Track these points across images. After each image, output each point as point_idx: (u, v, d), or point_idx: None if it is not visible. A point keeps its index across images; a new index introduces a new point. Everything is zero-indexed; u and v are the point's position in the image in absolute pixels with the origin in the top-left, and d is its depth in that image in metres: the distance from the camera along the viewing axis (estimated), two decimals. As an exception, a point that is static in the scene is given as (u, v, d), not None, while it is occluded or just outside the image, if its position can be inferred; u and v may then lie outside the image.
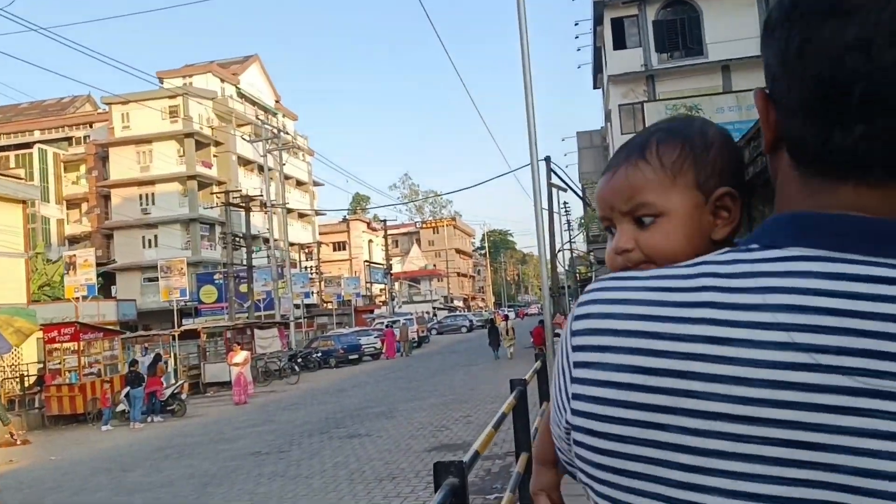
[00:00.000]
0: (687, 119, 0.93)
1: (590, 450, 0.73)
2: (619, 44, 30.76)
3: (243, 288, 37.31)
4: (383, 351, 36.89)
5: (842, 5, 0.64)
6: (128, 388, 18.16)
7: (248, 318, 33.06)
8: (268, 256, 37.25)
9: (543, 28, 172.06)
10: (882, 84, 0.63)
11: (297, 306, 52.80)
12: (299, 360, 31.92)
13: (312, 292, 51.24)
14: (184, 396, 19.68)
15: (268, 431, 14.88)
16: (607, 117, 34.55)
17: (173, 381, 22.70)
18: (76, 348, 19.51)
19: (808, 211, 0.70)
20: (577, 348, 0.75)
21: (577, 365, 0.74)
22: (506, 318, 37.00)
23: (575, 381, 0.74)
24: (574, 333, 0.75)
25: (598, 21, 32.07)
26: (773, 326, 0.64)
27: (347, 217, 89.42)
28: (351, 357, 34.09)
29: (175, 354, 26.36)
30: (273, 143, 38.83)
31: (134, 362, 18.90)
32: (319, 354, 33.20)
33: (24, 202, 41.53)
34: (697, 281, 0.70)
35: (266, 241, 62.88)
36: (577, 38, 35.79)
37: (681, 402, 0.66)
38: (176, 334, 25.66)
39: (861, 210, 0.67)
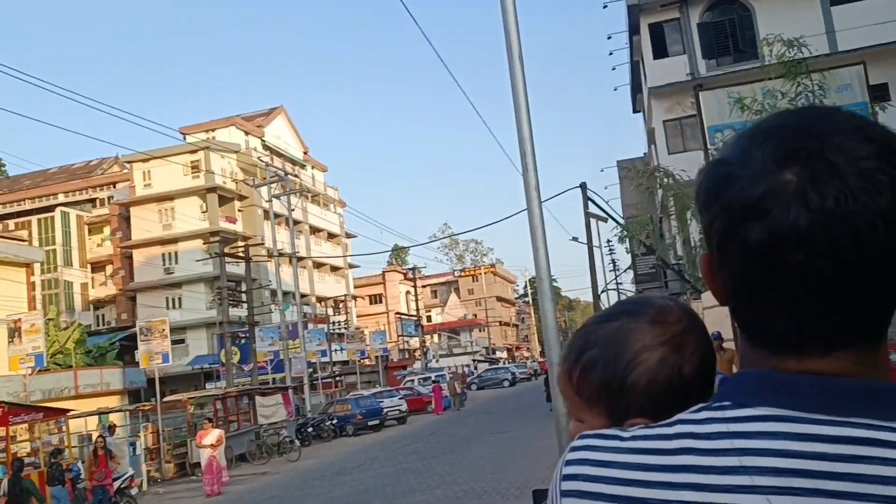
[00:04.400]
0: (626, 341, 0.93)
1: None
2: (660, 52, 26.90)
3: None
4: (431, 408, 35.67)
5: (754, 209, 0.68)
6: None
7: (250, 382, 29.29)
8: (271, 310, 33.66)
9: (578, 52, 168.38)
10: (795, 281, 0.67)
11: (322, 365, 49.25)
12: (310, 429, 27.98)
13: (339, 349, 47.53)
14: (134, 491, 15.84)
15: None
16: (650, 138, 30.54)
17: (143, 465, 18.94)
18: (4, 434, 15.84)
19: (775, 369, 0.72)
20: None
21: None
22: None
23: None
24: (564, 494, 0.76)
25: (633, 30, 28.32)
26: (752, 490, 0.66)
27: (384, 269, 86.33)
28: (371, 423, 29.94)
29: (159, 431, 22.69)
30: (283, 188, 35.55)
31: (57, 452, 15.13)
32: (335, 421, 29.15)
33: (27, 265, 38.92)
34: (677, 442, 0.72)
35: (298, 296, 60.09)
36: (610, 54, 32.18)
37: None
38: (145, 408, 21.94)
39: (810, 373, 0.70)
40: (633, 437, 0.76)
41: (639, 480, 0.71)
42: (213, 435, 17.75)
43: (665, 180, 7.74)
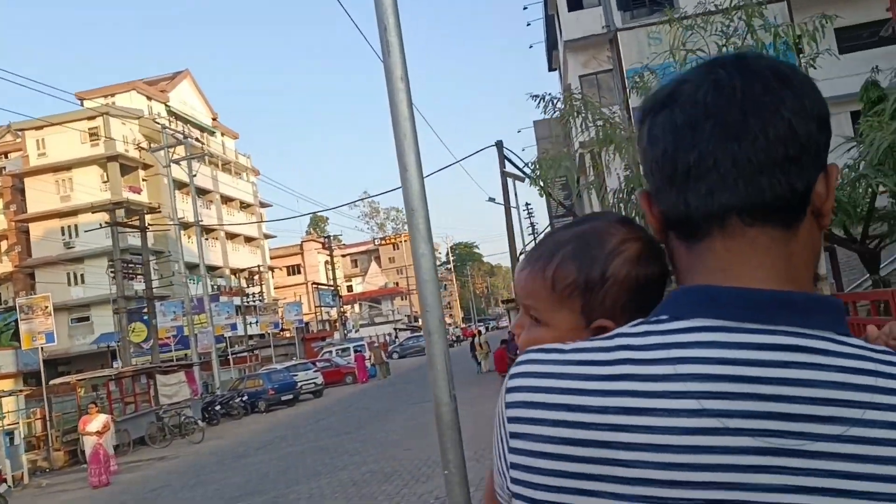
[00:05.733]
0: (601, 236, 0.95)
1: None
2: (576, 4, 25.98)
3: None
4: (350, 380, 35.49)
5: (671, 97, 0.79)
6: None
7: (150, 361, 27.43)
8: (171, 283, 31.80)
9: (492, 7, 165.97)
10: (707, 149, 0.75)
11: (238, 339, 47.23)
12: (218, 407, 26.40)
13: (253, 322, 45.64)
14: (2, 488, 14.15)
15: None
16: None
17: (22, 456, 17.14)
18: None
19: (705, 284, 0.77)
20: (511, 420, 0.79)
21: (513, 436, 0.79)
22: (479, 332, 35.33)
23: (512, 450, 0.79)
24: (508, 405, 0.80)
25: (548, -18, 27.32)
26: (684, 395, 0.70)
27: (303, 239, 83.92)
28: (284, 398, 28.53)
29: (47, 417, 20.79)
30: (187, 153, 33.32)
31: None
32: (245, 398, 27.58)
33: None
34: (615, 354, 0.76)
35: (210, 269, 57.52)
36: (525, 8, 31.10)
37: (608, 470, 0.71)
38: (23, 393, 20.00)
39: (734, 264, 0.77)
40: (574, 350, 0.79)
41: (578, 389, 0.75)
42: (98, 420, 16.04)
43: (580, 109, 6.69)
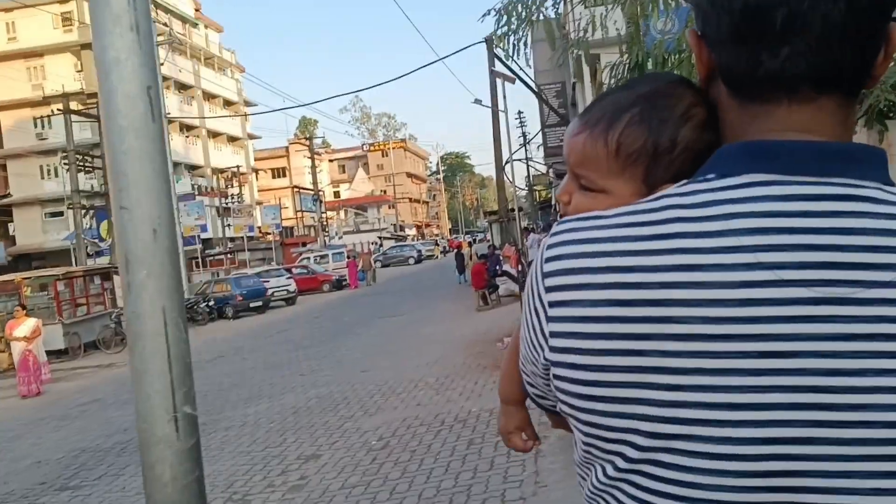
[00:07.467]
0: (668, 99, 0.87)
1: (572, 382, 0.76)
2: None
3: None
4: (327, 287, 34.28)
5: None
6: None
7: (109, 261, 25.87)
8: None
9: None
10: (800, 8, 0.69)
11: (219, 241, 45.69)
12: (181, 312, 24.93)
13: (229, 225, 43.96)
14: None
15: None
16: (568, -8, 27.32)
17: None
18: None
19: (756, 139, 0.75)
20: (550, 289, 0.77)
21: (553, 304, 0.77)
22: (469, 244, 35.56)
23: (551, 319, 0.77)
24: (546, 275, 0.78)
25: None
26: (738, 249, 0.70)
27: (289, 140, 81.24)
28: (254, 305, 27.15)
29: (-11, 316, 19.32)
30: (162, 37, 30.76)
31: None
32: (212, 303, 26.18)
33: None
34: (663, 213, 0.74)
35: (191, 168, 55.42)
36: None
37: (660, 328, 0.71)
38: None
39: (796, 128, 0.74)
40: (617, 214, 0.77)
41: (626, 251, 0.73)
42: (26, 325, 14.51)
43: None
